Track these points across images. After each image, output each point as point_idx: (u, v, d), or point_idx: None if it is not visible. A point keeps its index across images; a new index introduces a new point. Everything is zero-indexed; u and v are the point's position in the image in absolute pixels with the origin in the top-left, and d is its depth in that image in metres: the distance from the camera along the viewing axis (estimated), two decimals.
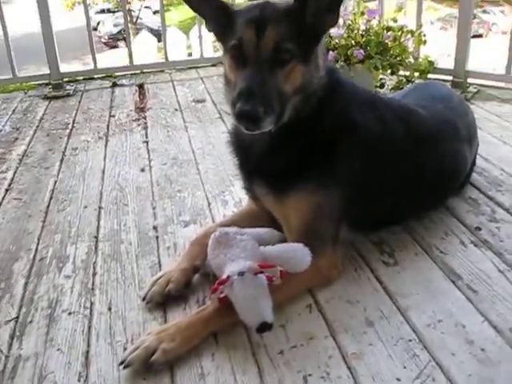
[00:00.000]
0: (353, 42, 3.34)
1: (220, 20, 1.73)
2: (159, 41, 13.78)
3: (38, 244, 2.13)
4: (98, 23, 24.24)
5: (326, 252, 1.78)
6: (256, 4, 1.71)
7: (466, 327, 1.58)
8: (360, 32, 3.39)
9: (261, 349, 1.54)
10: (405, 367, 1.46)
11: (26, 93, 4.18)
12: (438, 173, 2.07)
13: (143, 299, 1.75)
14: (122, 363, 1.49)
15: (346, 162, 1.77)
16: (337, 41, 3.37)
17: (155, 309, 1.72)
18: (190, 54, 9.86)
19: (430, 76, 3.55)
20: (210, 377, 1.46)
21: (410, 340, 1.55)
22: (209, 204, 2.34)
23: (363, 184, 1.80)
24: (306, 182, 1.73)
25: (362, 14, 3.42)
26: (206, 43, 6.10)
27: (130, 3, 21.27)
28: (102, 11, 25.53)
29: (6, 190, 2.60)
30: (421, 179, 2.00)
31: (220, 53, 4.62)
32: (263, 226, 1.89)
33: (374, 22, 3.44)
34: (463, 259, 1.89)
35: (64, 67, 4.29)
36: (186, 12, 25.01)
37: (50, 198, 2.49)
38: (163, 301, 1.74)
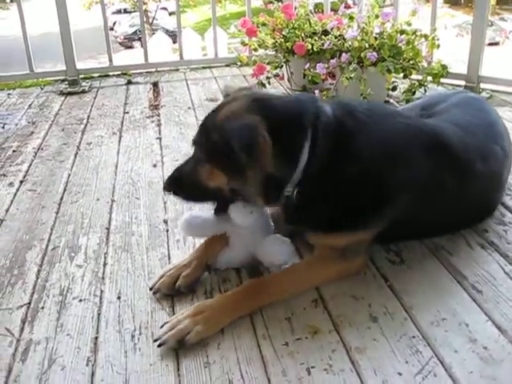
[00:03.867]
0: (366, 44, 3.35)
1: None
2: (174, 42, 13.87)
3: (50, 234, 2.18)
4: (114, 23, 24.39)
5: (357, 259, 1.83)
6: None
7: (470, 326, 1.60)
8: (374, 35, 3.41)
9: (266, 340, 1.57)
10: (407, 362, 1.48)
11: (42, 88, 4.25)
12: (477, 210, 2.09)
13: (151, 289, 1.79)
14: (156, 340, 1.56)
15: (384, 208, 1.77)
16: (350, 43, 3.40)
17: (163, 299, 1.76)
18: (204, 55, 9.92)
19: (442, 80, 3.56)
20: (215, 365, 1.49)
21: (414, 337, 1.57)
22: None
23: (397, 217, 1.81)
24: (348, 227, 1.76)
25: (377, 16, 3.43)
26: (221, 44, 6.15)
27: (146, 4, 21.40)
28: (119, 11, 25.69)
29: (21, 182, 2.65)
30: (459, 214, 2.00)
31: (234, 53, 4.67)
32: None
33: (388, 26, 3.46)
34: (469, 260, 1.91)
35: (80, 66, 4.34)
36: (201, 14, 25.18)
37: (64, 190, 2.54)
38: (170, 293, 1.77)
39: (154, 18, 24.92)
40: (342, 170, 1.70)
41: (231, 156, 1.57)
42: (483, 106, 2.32)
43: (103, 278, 1.88)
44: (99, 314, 1.71)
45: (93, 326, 1.66)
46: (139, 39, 18.63)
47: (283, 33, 3.79)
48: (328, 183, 1.70)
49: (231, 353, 1.54)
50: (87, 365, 1.51)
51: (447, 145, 1.88)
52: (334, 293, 1.75)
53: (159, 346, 1.55)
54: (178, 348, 1.55)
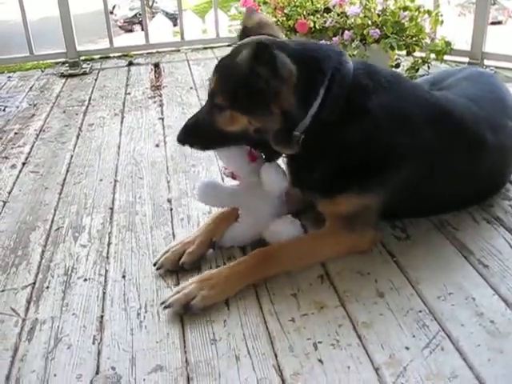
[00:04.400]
0: (369, 21, 3.31)
1: None
2: (175, 25, 13.75)
3: (54, 215, 2.17)
4: (114, 7, 24.12)
5: (366, 234, 1.82)
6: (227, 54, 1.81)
7: (476, 300, 1.59)
8: (376, 11, 3.36)
9: (272, 316, 1.57)
10: (414, 336, 1.47)
11: (42, 71, 4.22)
12: (487, 183, 2.06)
13: (154, 264, 1.80)
14: (162, 303, 1.59)
15: (387, 171, 1.76)
16: (353, 20, 3.35)
17: (168, 277, 1.76)
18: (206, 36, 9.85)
19: (446, 57, 3.52)
20: (221, 342, 1.49)
21: (420, 311, 1.56)
22: (222, 178, 2.34)
23: (404, 186, 1.80)
24: (352, 188, 1.75)
25: None
26: (222, 27, 6.07)
27: None
28: None
29: (23, 164, 2.64)
30: (468, 187, 1.97)
31: (235, 33, 4.62)
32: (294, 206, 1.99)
33: (391, 2, 3.41)
34: (475, 235, 1.90)
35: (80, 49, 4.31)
36: None
37: (67, 172, 2.53)
38: (174, 269, 1.78)
39: (153, 1, 24.68)
40: (349, 123, 1.70)
41: (258, 87, 1.60)
42: (493, 81, 2.29)
43: (108, 258, 1.88)
44: (104, 293, 1.71)
45: (98, 305, 1.66)
46: (139, 22, 18.51)
47: (285, 11, 3.73)
48: (334, 135, 1.71)
49: (237, 329, 1.53)
50: (93, 343, 1.51)
51: (456, 116, 1.87)
52: (340, 268, 1.75)
53: (165, 308, 1.58)
54: (184, 313, 1.57)
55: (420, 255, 1.80)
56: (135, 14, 21.74)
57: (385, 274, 1.72)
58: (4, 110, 3.40)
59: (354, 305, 1.60)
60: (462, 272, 1.72)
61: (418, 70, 3.40)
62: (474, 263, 1.75)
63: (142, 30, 4.61)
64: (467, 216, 2.00)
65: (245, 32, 1.86)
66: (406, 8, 3.34)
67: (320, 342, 1.47)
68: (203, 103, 3.20)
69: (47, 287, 1.75)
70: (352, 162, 1.73)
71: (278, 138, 1.71)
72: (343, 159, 1.73)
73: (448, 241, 1.87)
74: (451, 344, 1.45)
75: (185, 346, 1.49)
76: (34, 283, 1.77)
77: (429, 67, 3.43)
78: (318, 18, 3.58)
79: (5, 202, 2.29)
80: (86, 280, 1.77)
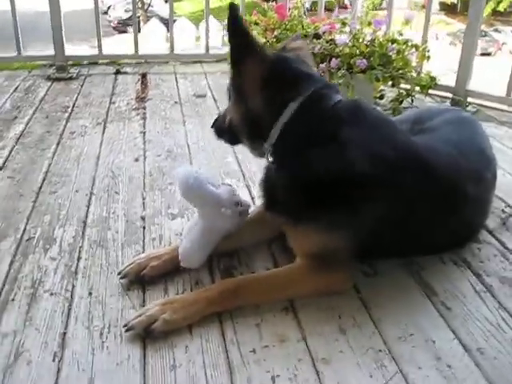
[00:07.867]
0: (357, 51, 3.36)
1: None
2: (169, 30, 13.80)
3: (26, 224, 2.16)
4: (109, 7, 24.08)
5: (337, 275, 1.80)
6: None
7: (436, 343, 1.61)
8: (365, 42, 3.42)
9: (234, 345, 1.57)
10: (371, 376, 1.49)
11: (29, 72, 4.21)
12: (461, 233, 2.07)
13: (119, 273, 1.83)
14: (125, 326, 1.59)
15: (359, 208, 1.72)
16: (341, 48, 3.40)
17: (135, 297, 1.76)
18: (198, 45, 9.86)
19: (430, 92, 3.59)
20: (181, 369, 1.49)
21: (380, 350, 1.58)
22: None
23: (375, 230, 1.77)
24: (320, 221, 1.72)
25: (369, 24, 3.44)
26: (215, 36, 6.08)
27: None
28: None
29: (0, 168, 2.63)
30: (443, 236, 1.98)
31: (226, 48, 4.63)
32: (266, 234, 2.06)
33: (380, 33, 3.46)
34: (441, 276, 1.92)
35: (70, 48, 4.31)
36: (197, 3, 24.97)
37: (43, 180, 2.52)
38: (136, 281, 1.81)
39: (149, 5, 24.66)
40: (316, 147, 1.68)
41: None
42: (475, 128, 2.26)
43: (76, 273, 1.87)
44: (69, 310, 1.70)
45: (62, 321, 1.65)
46: None
47: (275, 33, 3.78)
48: (301, 157, 1.70)
49: (198, 356, 1.54)
50: (53, 360, 1.51)
51: (437, 167, 1.84)
52: (306, 302, 1.75)
53: (127, 331, 1.58)
54: (145, 336, 1.57)
55: (385, 293, 1.82)
56: (130, 17, 21.69)
57: (349, 310, 1.73)
58: None
59: (315, 340, 1.61)
60: (425, 313, 1.74)
61: (401, 102, 3.46)
62: (437, 304, 1.77)
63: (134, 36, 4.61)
64: (435, 256, 2.01)
65: (283, 50, 1.98)
66: (394, 41, 3.40)
67: (278, 376, 1.48)
68: (186, 119, 3.28)
69: (12, 299, 1.74)
70: (320, 191, 1.69)
71: (251, 141, 1.85)
72: (311, 186, 1.69)
73: (414, 280, 1.89)
74: None
75: (144, 370, 1.49)
76: (0, 294, 1.76)
77: (412, 100, 3.49)
78: (307, 43, 3.62)
79: None
80: (52, 294, 1.77)
